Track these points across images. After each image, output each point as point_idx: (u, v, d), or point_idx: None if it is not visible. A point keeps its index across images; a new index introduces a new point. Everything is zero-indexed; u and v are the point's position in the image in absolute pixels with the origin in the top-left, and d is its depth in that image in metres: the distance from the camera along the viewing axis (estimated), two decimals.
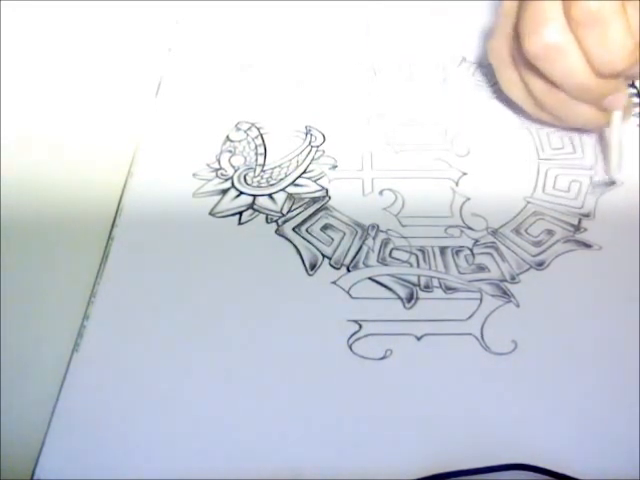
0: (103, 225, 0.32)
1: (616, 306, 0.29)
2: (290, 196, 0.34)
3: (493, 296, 0.29)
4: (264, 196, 0.34)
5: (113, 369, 0.28)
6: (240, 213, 0.33)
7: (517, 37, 0.31)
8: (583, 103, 0.32)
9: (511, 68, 0.33)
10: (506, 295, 0.29)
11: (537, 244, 0.31)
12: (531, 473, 0.24)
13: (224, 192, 0.34)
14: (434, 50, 0.41)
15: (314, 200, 0.34)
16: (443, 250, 0.31)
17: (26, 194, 0.33)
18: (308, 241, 0.32)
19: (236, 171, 0.35)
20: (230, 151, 0.36)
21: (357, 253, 0.31)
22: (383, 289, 0.30)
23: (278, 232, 0.32)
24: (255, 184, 0.34)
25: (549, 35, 0.29)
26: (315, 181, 0.34)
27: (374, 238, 0.32)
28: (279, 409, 0.26)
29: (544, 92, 0.32)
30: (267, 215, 0.33)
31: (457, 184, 0.34)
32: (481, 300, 0.29)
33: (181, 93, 0.39)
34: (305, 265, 0.31)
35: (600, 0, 0.28)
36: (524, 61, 0.32)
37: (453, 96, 0.39)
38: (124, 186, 0.34)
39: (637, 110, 0.37)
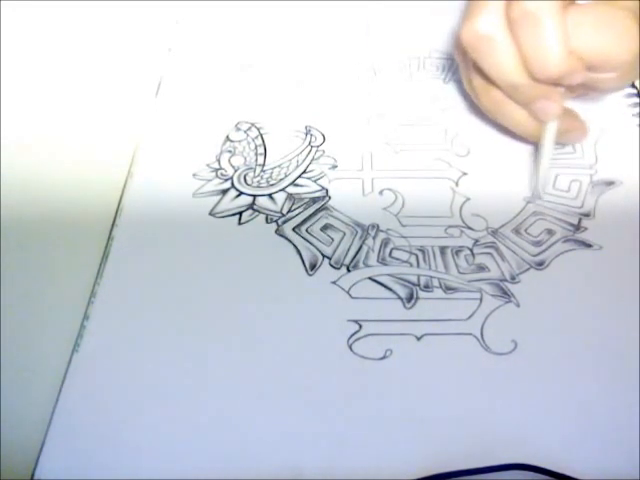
0: (103, 225, 0.32)
1: (616, 306, 0.29)
2: (290, 196, 0.34)
3: (493, 296, 0.29)
4: (264, 196, 0.34)
5: (113, 369, 0.28)
6: (240, 213, 0.33)
7: None
8: (514, 104, 0.31)
9: (463, 65, 0.34)
10: (506, 295, 0.29)
11: (537, 244, 0.31)
12: (531, 473, 0.24)
13: (224, 192, 0.34)
14: (434, 50, 0.41)
15: (314, 200, 0.34)
16: (443, 250, 0.31)
17: (26, 194, 0.33)
18: (308, 241, 0.32)
19: (236, 171, 0.35)
20: (230, 151, 0.36)
21: (357, 253, 0.31)
22: (383, 289, 0.30)
23: (278, 232, 0.32)
24: (255, 184, 0.34)
25: (482, 25, 0.29)
26: (315, 181, 0.34)
27: (374, 238, 0.32)
28: (279, 409, 0.26)
29: (480, 87, 0.32)
30: (267, 215, 0.33)
31: (457, 184, 0.34)
32: (481, 300, 0.29)
33: (181, 93, 0.39)
34: (305, 265, 0.31)
35: (539, 1, 0.27)
36: (470, 57, 0.31)
37: (453, 96, 0.39)
38: (124, 186, 0.34)
39: (637, 110, 0.37)
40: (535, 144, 0.34)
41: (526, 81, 0.29)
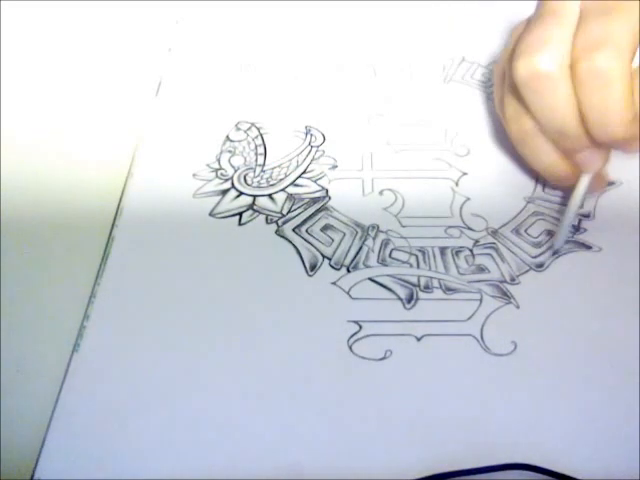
0: (103, 225, 0.32)
1: (616, 307, 0.29)
2: (290, 196, 0.34)
3: (493, 297, 0.29)
4: (264, 196, 0.34)
5: (113, 369, 0.28)
6: (240, 214, 0.33)
7: (510, 59, 0.29)
8: (546, 142, 0.29)
9: (499, 89, 0.32)
10: (506, 296, 0.29)
11: (537, 245, 0.31)
12: (531, 473, 0.24)
13: (224, 192, 0.34)
14: (434, 50, 0.41)
15: (314, 200, 0.34)
16: (443, 251, 0.31)
17: (26, 194, 0.33)
18: (308, 242, 0.32)
19: (236, 171, 0.35)
20: (230, 151, 0.36)
21: (357, 253, 0.31)
22: (383, 290, 0.30)
23: (278, 233, 0.32)
24: (255, 184, 0.34)
25: (544, 63, 0.27)
26: (315, 181, 0.34)
27: (374, 238, 0.32)
28: (279, 409, 0.26)
29: (513, 114, 0.30)
30: (267, 215, 0.33)
31: (457, 184, 0.34)
32: (481, 301, 0.29)
33: (181, 93, 0.39)
34: (305, 266, 0.31)
35: (612, 61, 0.25)
36: (509, 83, 0.30)
37: (453, 96, 0.39)
38: (124, 186, 0.34)
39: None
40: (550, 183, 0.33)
41: (579, 132, 0.27)
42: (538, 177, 0.34)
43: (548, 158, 0.30)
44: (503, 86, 0.32)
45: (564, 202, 0.33)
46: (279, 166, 0.35)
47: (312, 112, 0.38)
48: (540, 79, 0.27)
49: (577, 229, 0.32)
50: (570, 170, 0.30)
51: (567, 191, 0.32)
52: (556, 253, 0.31)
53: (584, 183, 0.30)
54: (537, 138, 0.30)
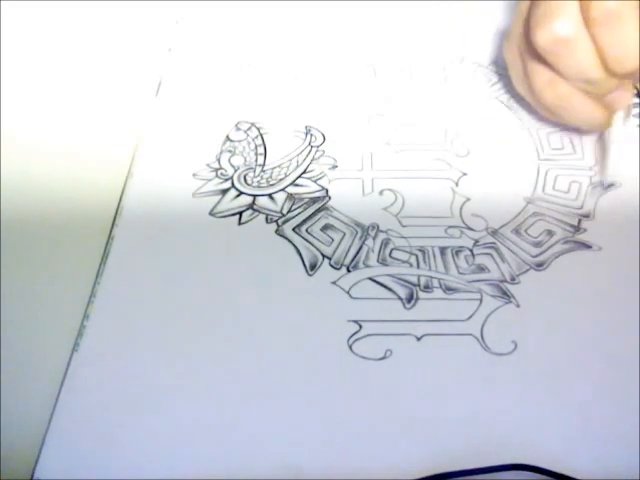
0: (103, 225, 0.32)
1: (616, 307, 0.29)
2: (290, 196, 0.34)
3: (493, 296, 0.29)
4: (264, 196, 0.34)
5: (113, 369, 0.28)
6: (240, 213, 0.33)
7: (526, 32, 0.31)
8: (584, 98, 0.32)
9: (518, 64, 0.34)
10: (506, 295, 0.29)
11: (537, 245, 0.31)
12: (531, 473, 0.24)
13: (224, 192, 0.34)
14: (434, 50, 0.41)
15: (314, 200, 0.34)
16: (443, 250, 0.31)
17: (26, 194, 0.33)
18: (308, 241, 0.32)
19: (236, 171, 0.35)
20: (230, 151, 0.36)
21: (357, 253, 0.31)
22: (383, 289, 0.30)
23: (278, 232, 0.32)
24: (255, 184, 0.34)
25: (560, 28, 0.29)
26: (315, 181, 0.34)
27: (374, 238, 0.32)
28: (279, 409, 0.26)
29: (544, 84, 0.32)
30: (267, 215, 0.33)
31: (457, 184, 0.34)
32: (481, 300, 0.29)
33: (181, 93, 0.39)
34: (305, 265, 0.31)
35: (620, 0, 0.28)
36: (531, 55, 0.32)
37: (453, 96, 0.39)
38: (124, 186, 0.34)
39: (637, 110, 0.37)
40: (596, 133, 0.35)
41: (604, 75, 0.30)
42: (537, 177, 0.34)
43: (586, 110, 0.32)
44: (521, 61, 0.33)
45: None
46: (279, 166, 0.35)
47: (312, 112, 0.38)
48: (561, 44, 0.29)
49: (577, 229, 0.32)
50: (606, 114, 0.32)
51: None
52: (610, 186, 0.33)
53: (620, 118, 0.33)
54: (573, 97, 0.32)
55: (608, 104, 0.32)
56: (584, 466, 0.24)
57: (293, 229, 0.32)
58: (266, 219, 0.33)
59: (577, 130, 0.35)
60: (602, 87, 0.31)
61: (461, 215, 0.33)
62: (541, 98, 0.33)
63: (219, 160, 0.36)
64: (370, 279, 0.30)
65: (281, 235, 0.32)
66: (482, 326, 0.28)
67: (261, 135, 0.37)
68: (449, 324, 0.29)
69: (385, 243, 0.32)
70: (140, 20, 0.43)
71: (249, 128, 0.37)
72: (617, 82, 0.31)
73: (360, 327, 0.29)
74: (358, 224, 0.32)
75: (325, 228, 0.32)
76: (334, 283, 0.30)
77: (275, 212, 0.33)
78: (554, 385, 0.27)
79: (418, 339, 0.28)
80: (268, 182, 0.34)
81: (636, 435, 0.25)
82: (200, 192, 0.34)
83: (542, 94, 0.33)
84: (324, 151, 0.36)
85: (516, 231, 0.32)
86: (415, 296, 0.30)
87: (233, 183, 0.34)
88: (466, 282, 0.30)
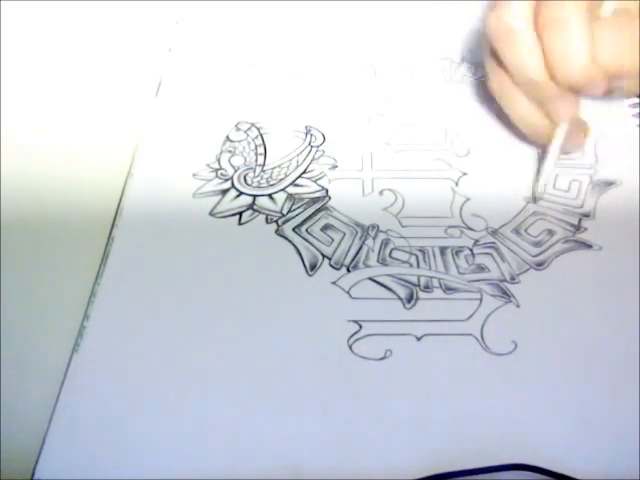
0: (103, 225, 0.32)
1: (616, 306, 0.29)
2: (290, 196, 0.34)
3: (493, 296, 0.29)
4: (264, 196, 0.34)
5: (113, 369, 0.28)
6: (240, 213, 0.33)
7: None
8: (527, 101, 0.31)
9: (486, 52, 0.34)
10: (506, 295, 0.29)
11: (537, 244, 0.31)
12: (531, 473, 0.24)
13: (224, 192, 0.34)
14: (434, 50, 0.41)
15: (314, 200, 0.34)
16: (443, 250, 0.31)
17: (26, 194, 0.33)
18: (308, 241, 0.32)
19: (236, 171, 0.35)
20: (230, 151, 0.36)
21: (357, 253, 0.31)
22: (383, 289, 0.30)
23: (278, 232, 0.32)
24: (255, 184, 0.34)
25: (508, 14, 0.29)
26: (315, 181, 0.34)
27: (374, 238, 0.32)
28: (279, 409, 0.26)
29: (491, 73, 0.32)
30: (267, 215, 0.33)
31: (457, 184, 0.34)
32: (481, 300, 0.29)
33: (181, 93, 0.39)
34: (305, 265, 0.31)
35: (570, 7, 0.28)
36: (486, 38, 0.32)
37: (453, 96, 0.39)
38: (124, 186, 0.34)
39: (637, 110, 0.37)
40: (535, 146, 0.34)
41: (546, 79, 0.29)
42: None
43: (523, 109, 0.32)
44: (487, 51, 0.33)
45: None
46: (279, 166, 0.35)
47: (312, 112, 0.38)
48: (506, 30, 0.30)
49: (577, 228, 0.32)
50: (548, 124, 0.32)
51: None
52: (535, 200, 0.33)
53: (559, 133, 0.31)
54: (512, 90, 0.31)
55: (550, 114, 0.31)
56: (584, 466, 0.24)
57: (293, 229, 0.32)
58: (266, 219, 0.33)
59: (527, 141, 0.34)
60: (543, 93, 0.30)
61: (461, 215, 0.33)
62: (493, 92, 0.33)
63: (219, 160, 0.36)
64: (370, 279, 0.30)
65: (281, 235, 0.32)
66: (482, 326, 0.28)
67: (261, 135, 0.37)
68: (449, 324, 0.29)
69: (385, 243, 0.32)
70: (140, 20, 0.43)
71: (249, 128, 0.37)
72: (559, 91, 0.30)
73: (360, 327, 0.29)
74: (358, 224, 0.32)
75: (325, 228, 0.32)
76: (334, 283, 0.30)
77: (275, 212, 0.33)
78: (554, 385, 0.27)
79: (418, 339, 0.28)
80: (268, 182, 0.34)
81: (636, 435, 0.25)
82: (200, 192, 0.34)
83: (490, 81, 0.33)
84: (324, 151, 0.36)
85: (516, 231, 0.32)
86: (415, 296, 0.30)
87: (233, 183, 0.34)
88: (466, 282, 0.30)
